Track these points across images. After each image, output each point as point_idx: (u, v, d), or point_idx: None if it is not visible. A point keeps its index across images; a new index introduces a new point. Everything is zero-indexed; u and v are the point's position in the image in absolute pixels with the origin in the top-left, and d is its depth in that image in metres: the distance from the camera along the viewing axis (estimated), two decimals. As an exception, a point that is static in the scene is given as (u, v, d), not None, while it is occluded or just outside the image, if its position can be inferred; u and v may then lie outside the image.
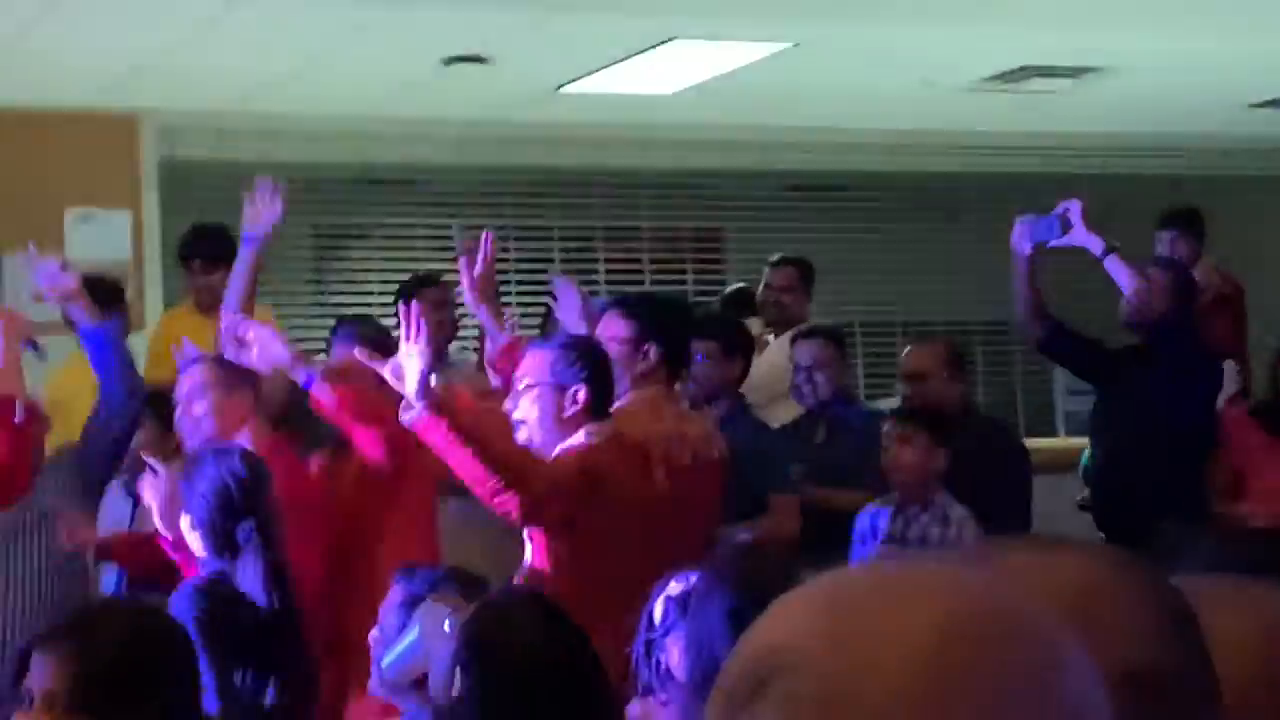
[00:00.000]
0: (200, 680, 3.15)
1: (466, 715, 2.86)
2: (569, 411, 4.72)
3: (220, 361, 5.46)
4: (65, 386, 6.63)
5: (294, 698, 4.12)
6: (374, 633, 3.90)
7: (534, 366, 4.79)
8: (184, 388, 5.42)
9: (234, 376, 5.39)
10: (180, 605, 4.17)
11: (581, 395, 4.73)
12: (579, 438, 4.72)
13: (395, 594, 3.86)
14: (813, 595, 1.14)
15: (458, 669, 3.10)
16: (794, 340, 6.95)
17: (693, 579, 3.80)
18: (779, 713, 1.06)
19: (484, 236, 5.66)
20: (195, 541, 4.55)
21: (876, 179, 10.05)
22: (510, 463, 4.51)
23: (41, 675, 2.82)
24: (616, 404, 4.98)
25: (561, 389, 4.73)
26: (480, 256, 5.67)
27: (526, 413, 4.75)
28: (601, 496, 4.63)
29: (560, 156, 9.37)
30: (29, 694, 2.82)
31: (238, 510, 4.49)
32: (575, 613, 3.54)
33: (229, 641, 4.13)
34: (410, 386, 4.49)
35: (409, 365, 4.51)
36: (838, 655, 1.07)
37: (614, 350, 5.02)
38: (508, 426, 4.77)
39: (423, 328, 4.53)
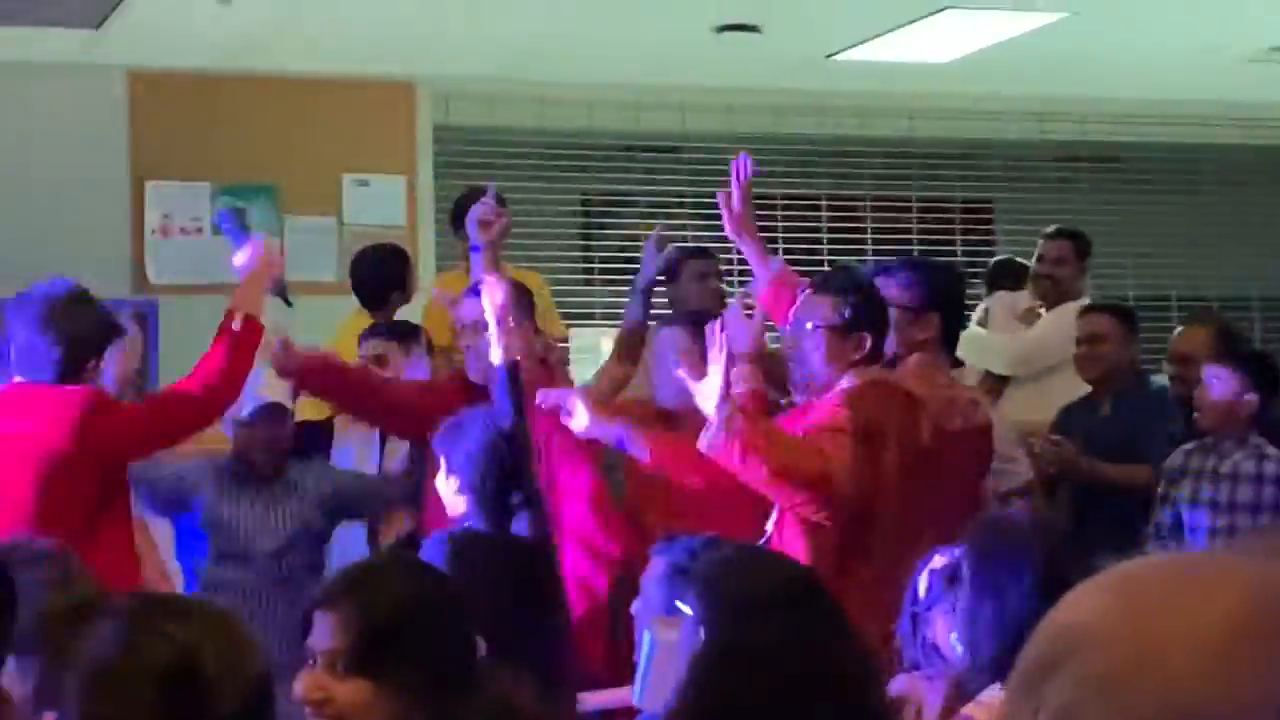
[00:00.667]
0: (474, 636, 3.19)
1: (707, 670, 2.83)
2: (854, 356, 4.71)
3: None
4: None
5: (553, 660, 4.15)
6: (636, 604, 3.93)
7: (816, 307, 4.78)
8: (469, 315, 5.47)
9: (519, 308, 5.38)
10: (435, 553, 4.21)
11: (868, 343, 4.72)
12: (844, 381, 4.71)
13: (657, 566, 3.88)
14: (1110, 580, 1.16)
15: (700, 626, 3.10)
16: (1080, 314, 6.88)
17: (957, 553, 3.77)
18: (1068, 693, 1.08)
19: (740, 159, 5.55)
20: (460, 504, 4.58)
21: (1152, 150, 9.84)
22: (801, 463, 4.51)
23: (323, 634, 2.88)
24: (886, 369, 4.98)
25: (845, 332, 4.73)
26: (735, 186, 5.61)
27: (810, 357, 4.76)
28: (877, 456, 4.62)
29: (829, 125, 9.32)
30: (311, 653, 2.88)
31: (507, 474, 4.51)
32: (832, 583, 3.54)
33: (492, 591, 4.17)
34: (710, 408, 4.50)
35: (710, 387, 4.52)
36: (1127, 639, 1.08)
37: (893, 315, 4.96)
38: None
39: (727, 346, 4.52)
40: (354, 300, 7.37)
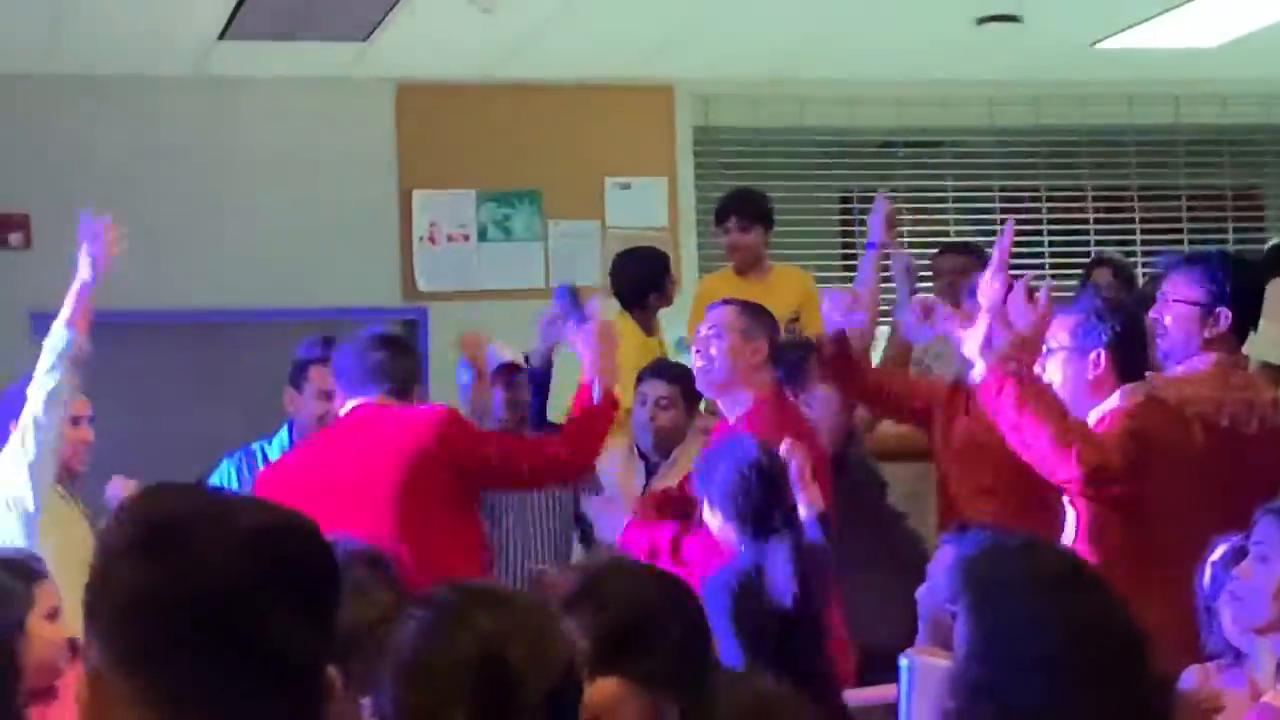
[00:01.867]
0: (708, 638, 3.21)
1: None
2: (1091, 375, 4.63)
3: (745, 306, 5.44)
4: None
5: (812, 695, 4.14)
6: (921, 590, 3.92)
7: (1059, 330, 4.72)
8: (705, 325, 5.41)
9: (756, 322, 5.36)
10: (714, 589, 4.25)
11: (1103, 359, 4.63)
12: (1113, 401, 4.62)
13: (946, 555, 3.85)
14: None
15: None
16: None
17: (1236, 540, 3.70)
18: None
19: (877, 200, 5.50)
20: (727, 532, 4.60)
21: None
22: (1073, 427, 4.44)
23: (567, 637, 2.91)
24: (1179, 369, 4.86)
25: (1084, 353, 4.65)
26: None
27: (1053, 377, 4.68)
28: (1151, 462, 4.52)
29: (1094, 115, 9.17)
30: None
31: (766, 497, 4.54)
32: (1122, 586, 3.48)
33: (751, 632, 4.20)
34: (973, 345, 4.45)
35: (978, 334, 4.47)
36: None
37: (1181, 311, 4.84)
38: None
39: (996, 291, 4.46)
40: (617, 305, 7.44)
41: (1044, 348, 4.74)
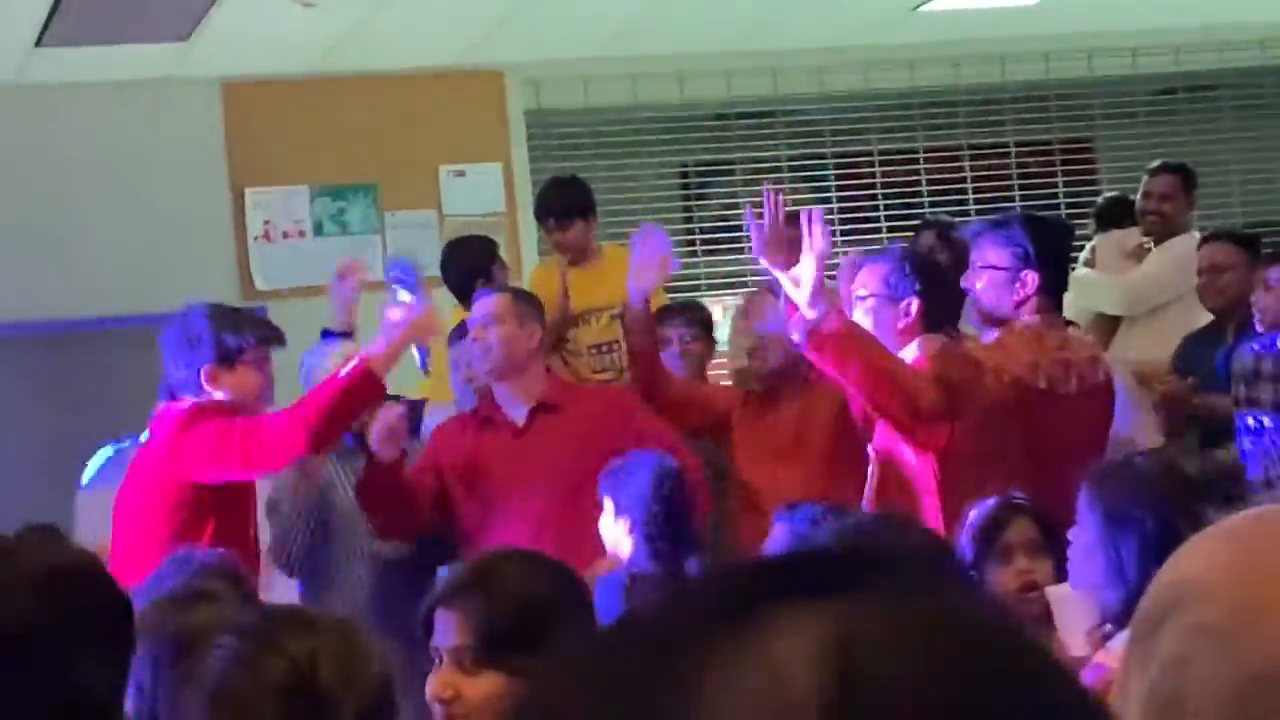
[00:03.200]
0: (598, 623, 3.20)
1: None
2: (902, 323, 4.70)
3: (517, 294, 5.53)
4: None
5: None
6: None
7: (869, 279, 4.81)
8: (476, 314, 5.48)
9: (528, 309, 5.44)
10: (610, 589, 4.24)
11: (914, 307, 4.69)
12: (911, 350, 4.71)
13: (780, 533, 3.88)
14: (1221, 531, 1.16)
15: None
16: (1201, 244, 6.81)
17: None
18: (1179, 644, 1.08)
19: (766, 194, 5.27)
20: (627, 546, 4.62)
21: (1251, 75, 9.70)
22: (896, 368, 4.50)
23: (447, 632, 2.89)
24: (993, 334, 4.93)
25: (895, 301, 4.72)
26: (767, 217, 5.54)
27: (862, 323, 4.77)
28: (952, 408, 4.60)
29: (922, 77, 9.26)
30: (437, 653, 2.89)
31: (679, 515, 4.57)
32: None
33: None
34: (803, 294, 4.45)
35: (805, 271, 4.47)
36: (1238, 591, 1.08)
37: (989, 277, 4.92)
38: None
39: (819, 236, 4.48)
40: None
41: (854, 294, 4.82)
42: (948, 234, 6.93)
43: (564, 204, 7.02)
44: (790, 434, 5.42)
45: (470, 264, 6.97)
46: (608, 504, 4.72)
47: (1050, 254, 5.01)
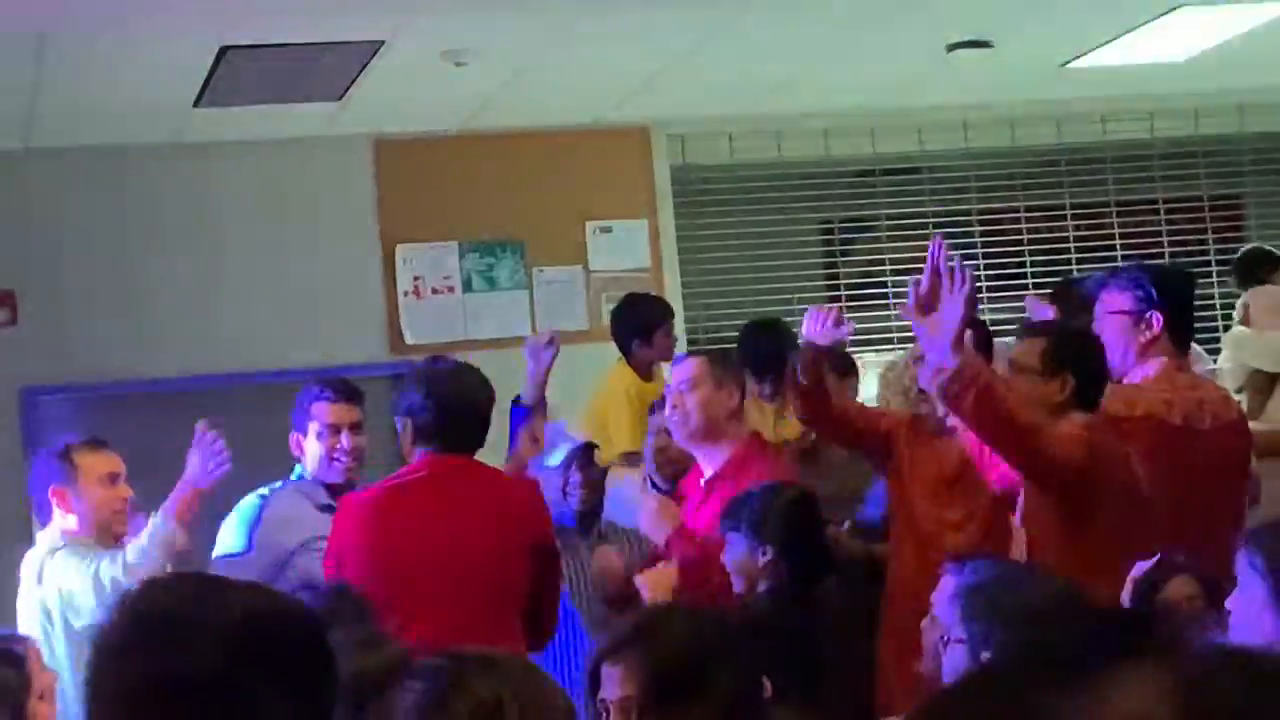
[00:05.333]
0: (760, 674, 3.21)
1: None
2: (1056, 399, 4.73)
3: (714, 357, 5.50)
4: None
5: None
6: (925, 621, 3.94)
7: (1029, 354, 4.83)
8: (675, 379, 5.45)
9: (725, 372, 5.40)
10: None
11: (1068, 386, 4.73)
12: (1061, 426, 4.71)
13: (947, 586, 3.88)
14: None
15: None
16: None
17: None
18: None
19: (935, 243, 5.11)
20: (763, 575, 4.67)
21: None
22: (1032, 421, 4.49)
23: (613, 685, 2.92)
24: (1126, 380, 4.97)
25: (1050, 378, 4.73)
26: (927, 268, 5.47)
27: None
28: (1099, 472, 4.59)
29: (1069, 133, 9.23)
30: (604, 705, 2.92)
31: (810, 536, 4.63)
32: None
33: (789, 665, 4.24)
34: (945, 339, 4.40)
35: (948, 315, 4.41)
36: None
37: (1115, 323, 5.00)
38: None
39: (963, 278, 4.43)
40: (605, 347, 7.53)
41: (1006, 364, 4.83)
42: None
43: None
44: (955, 464, 5.36)
45: (639, 321, 7.11)
46: (735, 539, 4.79)
47: (1173, 297, 5.06)
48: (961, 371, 4.34)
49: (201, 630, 1.88)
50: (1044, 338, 4.84)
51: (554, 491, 5.74)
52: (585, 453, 5.81)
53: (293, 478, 5.71)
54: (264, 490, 5.74)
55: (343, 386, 5.65)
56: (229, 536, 5.59)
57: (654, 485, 6.03)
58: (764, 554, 4.79)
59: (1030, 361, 4.78)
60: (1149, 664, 1.08)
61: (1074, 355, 4.78)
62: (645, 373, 7.25)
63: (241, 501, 5.77)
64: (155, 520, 5.03)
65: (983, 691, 1.11)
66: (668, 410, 5.39)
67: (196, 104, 7.54)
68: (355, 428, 5.57)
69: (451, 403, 4.85)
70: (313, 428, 5.58)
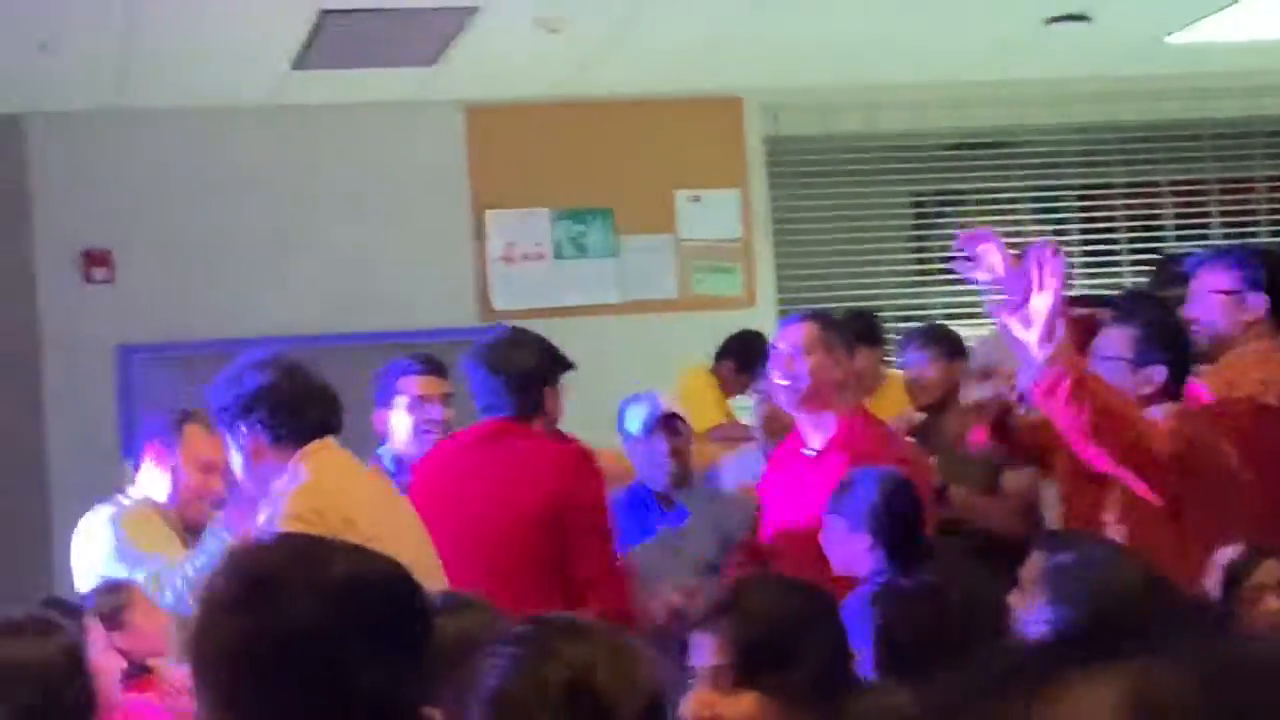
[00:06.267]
0: (850, 655, 3.20)
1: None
2: (1145, 390, 4.65)
3: (826, 322, 5.35)
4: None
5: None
6: (1013, 595, 3.93)
7: (1115, 341, 4.73)
8: (783, 343, 5.29)
9: (837, 338, 5.28)
10: (858, 603, 4.24)
11: (1159, 377, 4.65)
12: (1150, 414, 4.66)
13: (1036, 561, 3.85)
14: None
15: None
16: None
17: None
18: None
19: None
20: (869, 561, 4.65)
21: None
22: (1129, 413, 4.43)
23: (704, 653, 2.92)
24: (1222, 359, 4.94)
25: (1140, 367, 4.66)
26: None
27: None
28: (1193, 466, 4.55)
29: (1168, 109, 9.12)
30: (693, 673, 2.92)
31: (912, 522, 4.60)
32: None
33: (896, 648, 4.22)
34: (1034, 334, 4.35)
35: (1038, 309, 4.29)
36: None
37: (1215, 301, 4.98)
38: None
39: (1056, 269, 4.36)
40: (694, 317, 7.54)
41: (1094, 351, 4.76)
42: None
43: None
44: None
45: (745, 354, 7.09)
46: (837, 522, 4.75)
47: (1276, 280, 4.99)
48: (1054, 364, 4.29)
49: (303, 589, 1.90)
50: (1136, 326, 4.78)
51: (640, 460, 5.72)
52: (667, 421, 5.74)
53: (379, 453, 5.69)
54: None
55: (430, 360, 5.64)
56: None
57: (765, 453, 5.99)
58: (861, 541, 4.76)
59: (1122, 350, 4.73)
60: (1108, 673, 1.08)
61: (1166, 346, 4.72)
62: (725, 389, 7.34)
63: None
64: (216, 537, 4.84)
65: (945, 697, 1.12)
66: (775, 375, 5.30)
67: (294, 67, 7.58)
68: (444, 399, 5.58)
69: None
70: (401, 401, 5.57)
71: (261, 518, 4.35)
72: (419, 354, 5.71)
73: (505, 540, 4.84)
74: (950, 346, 6.23)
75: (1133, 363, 4.68)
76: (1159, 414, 4.64)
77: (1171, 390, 4.69)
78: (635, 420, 5.69)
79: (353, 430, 6.32)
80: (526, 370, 5.05)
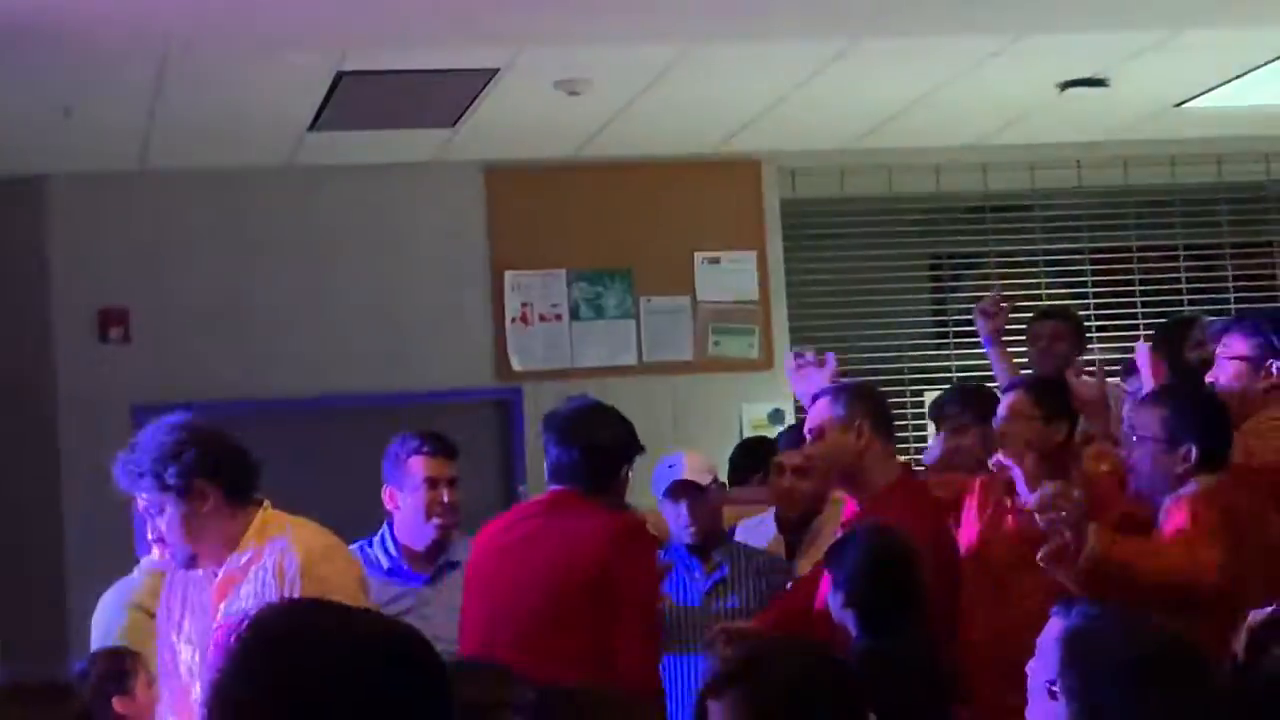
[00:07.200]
0: (866, 713, 3.18)
1: None
2: (1179, 469, 4.69)
3: (838, 393, 5.32)
4: None
5: None
6: (1031, 663, 3.91)
7: (1146, 421, 4.76)
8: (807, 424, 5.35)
9: (856, 408, 5.24)
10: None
11: (1193, 454, 4.68)
12: (1189, 488, 4.69)
13: (1054, 627, 3.84)
14: None
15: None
16: None
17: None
18: None
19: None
20: (845, 617, 4.66)
21: None
22: (1166, 568, 4.48)
23: (718, 720, 2.90)
24: (1244, 425, 4.93)
25: (1173, 445, 4.68)
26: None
27: (1138, 463, 4.78)
28: (1242, 540, 4.55)
29: (1184, 174, 9.14)
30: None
31: (895, 592, 4.57)
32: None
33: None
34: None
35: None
36: None
37: (1234, 368, 5.03)
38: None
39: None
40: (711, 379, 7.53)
41: (1129, 432, 4.79)
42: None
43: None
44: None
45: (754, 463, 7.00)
46: (829, 579, 4.77)
47: None
48: (1086, 566, 4.36)
49: (316, 660, 1.89)
50: (1165, 406, 4.80)
51: (669, 520, 5.75)
52: (685, 487, 5.75)
53: (384, 532, 5.64)
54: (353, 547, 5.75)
55: (440, 440, 5.55)
56: None
57: (778, 522, 6.01)
58: (837, 600, 4.75)
59: (1154, 430, 4.75)
60: None
61: (1197, 423, 4.74)
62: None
63: None
64: None
65: None
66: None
67: (311, 128, 7.61)
68: (452, 483, 5.52)
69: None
70: (409, 484, 5.51)
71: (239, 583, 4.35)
72: (428, 433, 5.63)
73: (551, 604, 4.82)
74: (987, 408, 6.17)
75: (1166, 442, 4.71)
76: (1195, 487, 4.67)
77: (1210, 463, 4.71)
78: (658, 483, 5.73)
79: (366, 497, 6.28)
80: (606, 446, 4.98)
